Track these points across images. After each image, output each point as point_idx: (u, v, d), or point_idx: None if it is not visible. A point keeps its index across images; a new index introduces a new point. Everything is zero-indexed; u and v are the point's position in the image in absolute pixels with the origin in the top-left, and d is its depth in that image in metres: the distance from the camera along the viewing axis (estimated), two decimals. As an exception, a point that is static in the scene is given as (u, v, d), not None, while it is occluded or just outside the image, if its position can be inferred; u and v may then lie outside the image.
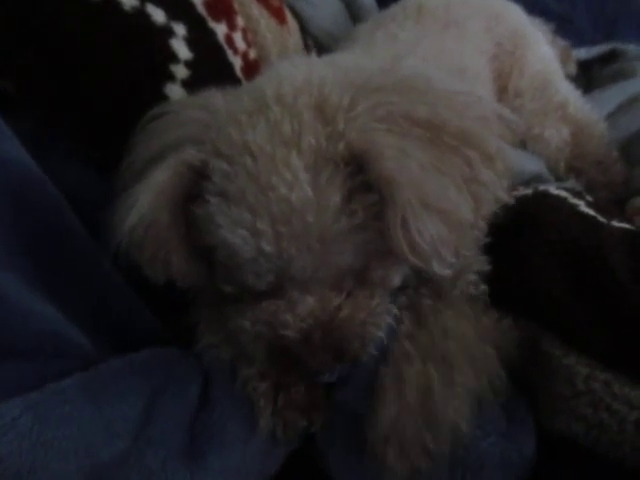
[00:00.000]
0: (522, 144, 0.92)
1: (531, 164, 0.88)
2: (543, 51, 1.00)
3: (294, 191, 0.48)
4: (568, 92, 0.99)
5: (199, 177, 0.52)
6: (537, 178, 0.84)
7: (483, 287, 0.60)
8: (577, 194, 0.68)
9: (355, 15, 1.20)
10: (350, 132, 0.49)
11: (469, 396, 0.54)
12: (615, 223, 0.62)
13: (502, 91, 0.94)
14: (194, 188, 0.52)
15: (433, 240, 0.48)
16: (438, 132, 0.51)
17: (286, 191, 0.48)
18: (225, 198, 0.50)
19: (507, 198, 0.57)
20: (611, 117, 1.03)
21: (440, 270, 0.50)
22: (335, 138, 0.49)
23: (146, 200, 0.51)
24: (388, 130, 0.50)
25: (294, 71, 0.57)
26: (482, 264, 0.61)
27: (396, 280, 0.56)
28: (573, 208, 0.64)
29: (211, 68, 0.74)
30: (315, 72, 0.55)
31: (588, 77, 1.26)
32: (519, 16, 1.00)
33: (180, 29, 0.70)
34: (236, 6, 0.82)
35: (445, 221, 0.48)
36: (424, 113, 0.51)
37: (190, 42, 0.70)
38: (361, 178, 0.49)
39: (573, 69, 1.20)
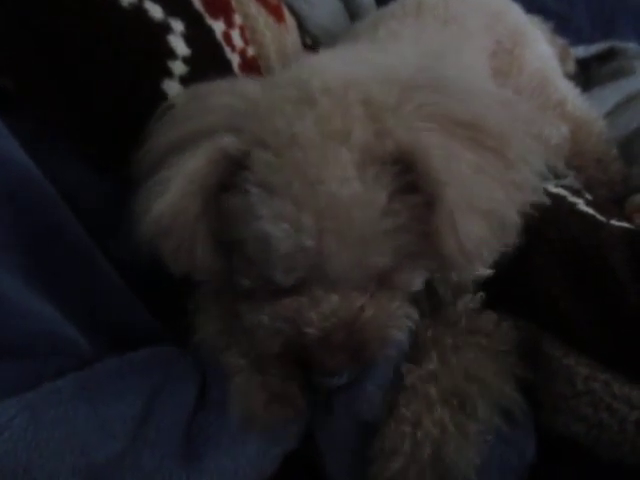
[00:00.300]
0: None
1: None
2: (542, 49, 0.99)
3: (343, 187, 0.47)
4: (567, 90, 0.99)
5: (235, 166, 0.50)
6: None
7: (480, 294, 0.59)
8: (576, 192, 0.67)
9: (354, 13, 1.19)
10: (398, 130, 0.48)
11: (482, 438, 0.53)
12: (614, 222, 0.62)
13: (501, 89, 0.94)
14: (227, 178, 0.51)
15: (478, 241, 0.48)
16: (479, 133, 0.50)
17: (335, 186, 0.47)
18: (267, 189, 0.48)
19: (543, 198, 0.57)
20: (610, 115, 1.03)
21: (480, 270, 0.50)
22: (383, 136, 0.48)
23: (177, 187, 0.50)
24: (435, 130, 0.49)
25: (334, 65, 0.55)
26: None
27: (417, 284, 0.55)
28: (572, 207, 0.64)
29: (209, 65, 0.73)
30: (354, 68, 0.54)
31: (587, 75, 1.26)
32: (518, 14, 1.00)
33: (178, 25, 0.69)
34: (234, 4, 0.81)
35: (489, 222, 0.48)
36: (465, 114, 0.51)
37: (188, 38, 0.70)
38: (406, 178, 0.48)
39: (572, 67, 1.20)
